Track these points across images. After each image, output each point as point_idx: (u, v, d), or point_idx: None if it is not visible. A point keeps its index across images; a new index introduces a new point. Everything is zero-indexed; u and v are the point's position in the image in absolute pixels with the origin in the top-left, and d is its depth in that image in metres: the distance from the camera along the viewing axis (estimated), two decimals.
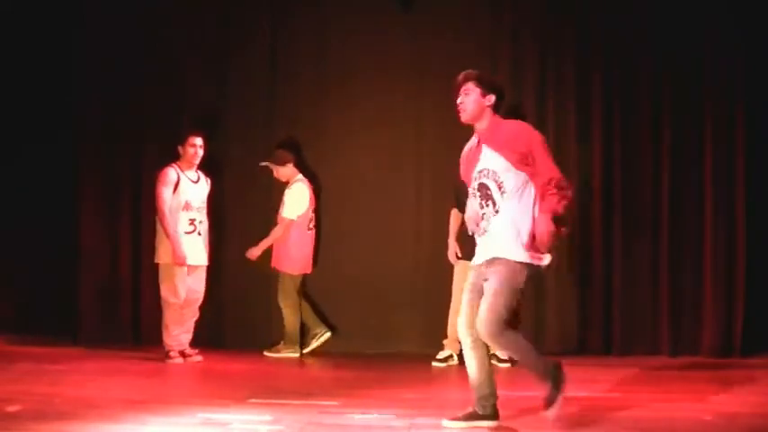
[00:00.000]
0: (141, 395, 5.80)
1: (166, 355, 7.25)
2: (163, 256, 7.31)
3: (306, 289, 8.03)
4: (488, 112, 4.84)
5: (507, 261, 4.68)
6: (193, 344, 7.46)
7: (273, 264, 7.89)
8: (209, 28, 8.30)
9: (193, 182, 7.44)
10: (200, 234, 7.40)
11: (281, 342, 7.84)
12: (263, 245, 7.83)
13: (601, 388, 6.19)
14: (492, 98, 4.83)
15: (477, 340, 4.82)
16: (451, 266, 7.33)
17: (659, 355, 7.71)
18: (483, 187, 4.79)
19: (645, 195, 7.91)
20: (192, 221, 7.35)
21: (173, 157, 7.43)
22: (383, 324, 7.99)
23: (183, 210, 7.31)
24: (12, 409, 5.13)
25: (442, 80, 7.52)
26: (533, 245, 4.69)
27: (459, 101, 4.86)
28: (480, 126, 4.86)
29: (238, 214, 8.18)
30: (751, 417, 5.28)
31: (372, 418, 5.10)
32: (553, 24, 8.06)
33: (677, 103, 7.85)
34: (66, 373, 6.66)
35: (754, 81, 7.76)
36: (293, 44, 8.23)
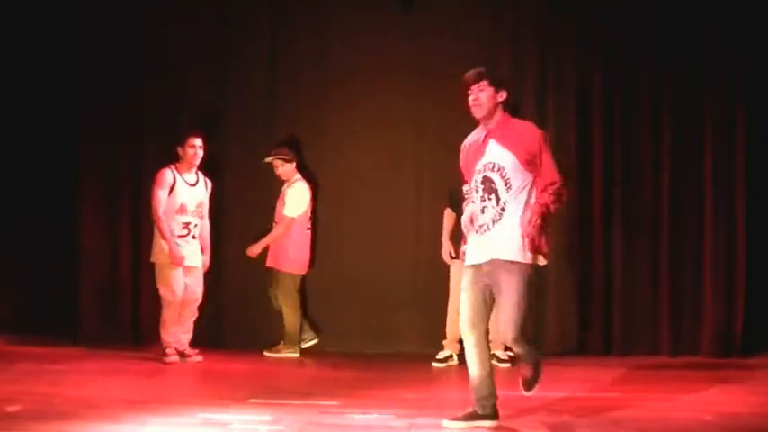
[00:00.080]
0: (141, 395, 5.80)
1: (163, 353, 7.25)
2: (158, 256, 7.31)
3: (301, 290, 8.01)
4: (500, 108, 4.92)
5: (520, 265, 4.74)
6: (193, 344, 7.47)
7: (271, 263, 7.88)
8: (209, 28, 8.29)
9: (190, 184, 7.41)
10: (194, 237, 7.38)
11: (281, 342, 7.84)
12: (264, 243, 7.83)
13: (601, 388, 6.20)
14: (504, 95, 4.92)
15: (479, 339, 4.85)
16: None
17: (659, 355, 7.71)
18: (487, 180, 4.83)
19: (645, 195, 7.90)
20: (186, 225, 7.33)
21: (172, 157, 7.42)
22: (383, 324, 7.99)
23: (177, 213, 7.30)
24: (12, 409, 5.13)
25: (442, 80, 7.61)
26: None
27: (473, 98, 4.91)
28: (490, 122, 4.91)
29: (238, 214, 8.17)
30: (751, 417, 5.28)
31: (372, 418, 5.11)
32: (553, 24, 8.06)
33: (677, 103, 7.85)
34: (66, 373, 6.66)
35: (754, 81, 7.76)
36: (293, 44, 8.23)
